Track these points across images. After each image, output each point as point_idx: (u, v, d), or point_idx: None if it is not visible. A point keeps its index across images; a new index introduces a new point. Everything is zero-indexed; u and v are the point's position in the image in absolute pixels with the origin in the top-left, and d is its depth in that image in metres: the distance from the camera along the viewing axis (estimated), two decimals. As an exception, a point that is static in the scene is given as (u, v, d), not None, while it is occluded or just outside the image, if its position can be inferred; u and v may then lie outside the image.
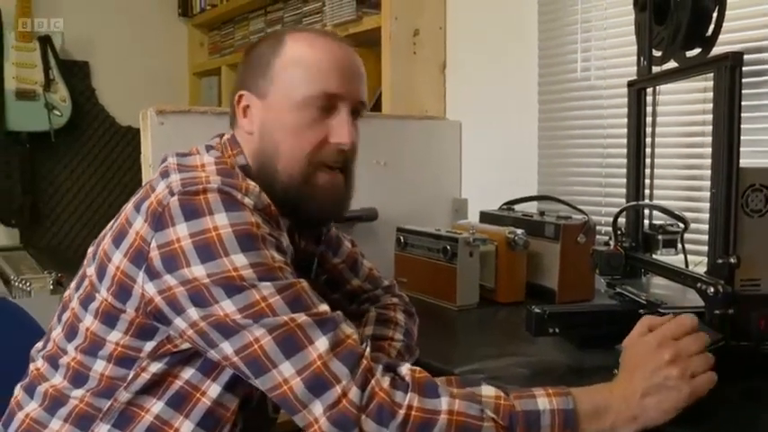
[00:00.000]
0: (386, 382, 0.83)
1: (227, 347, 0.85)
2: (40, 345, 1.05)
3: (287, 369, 0.83)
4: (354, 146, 1.03)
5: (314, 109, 1.00)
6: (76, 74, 3.34)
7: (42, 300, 2.06)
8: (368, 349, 0.86)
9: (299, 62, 1.01)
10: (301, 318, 0.84)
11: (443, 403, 0.82)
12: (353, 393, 0.81)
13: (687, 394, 0.85)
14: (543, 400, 0.84)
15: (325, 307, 0.88)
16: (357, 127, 1.05)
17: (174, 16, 3.72)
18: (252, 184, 0.94)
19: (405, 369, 0.86)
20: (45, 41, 3.12)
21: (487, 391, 0.85)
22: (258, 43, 1.07)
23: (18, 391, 1.02)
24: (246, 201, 0.90)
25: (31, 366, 1.03)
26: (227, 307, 0.84)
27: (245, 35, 3.31)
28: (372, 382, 0.83)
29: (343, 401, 0.81)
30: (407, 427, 0.81)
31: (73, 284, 1.02)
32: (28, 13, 3.07)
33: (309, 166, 1.01)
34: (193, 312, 0.86)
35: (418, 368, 0.87)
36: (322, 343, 0.83)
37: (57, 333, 1.00)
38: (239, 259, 0.85)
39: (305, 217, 1.05)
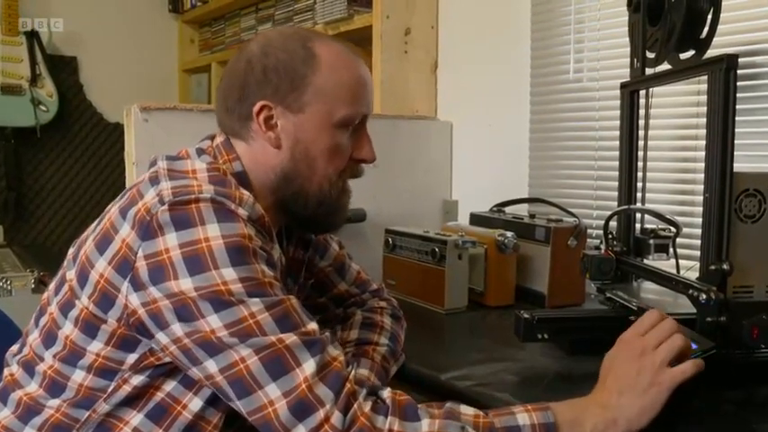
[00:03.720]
0: (367, 406, 0.82)
1: (211, 366, 0.82)
2: (15, 348, 1.02)
3: (273, 391, 0.81)
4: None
5: (350, 129, 1.01)
6: (64, 69, 3.31)
7: (23, 299, 2.03)
8: (353, 372, 0.85)
9: (338, 82, 0.99)
10: (290, 338, 0.82)
11: (424, 425, 0.82)
12: (336, 418, 0.80)
13: (662, 386, 0.84)
14: (523, 416, 0.84)
15: (313, 325, 0.86)
16: None
17: (164, 12, 3.69)
18: (246, 193, 0.91)
19: (386, 393, 0.85)
20: (32, 36, 3.08)
21: (466, 410, 0.85)
22: (275, 48, 1.00)
23: None
24: (240, 211, 0.87)
25: (6, 371, 1.00)
26: (213, 323, 0.82)
27: (235, 32, 3.29)
28: (355, 406, 0.81)
29: (325, 426, 0.80)
30: None
31: (52, 287, 0.98)
32: (16, 15, 3.03)
33: (339, 181, 1.03)
34: (178, 328, 0.83)
35: (399, 391, 0.86)
36: (309, 366, 0.82)
37: (33, 338, 0.97)
38: (228, 273, 0.83)
39: (324, 228, 1.09)
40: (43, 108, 3.10)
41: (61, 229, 3.33)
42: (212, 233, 0.84)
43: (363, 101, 1.02)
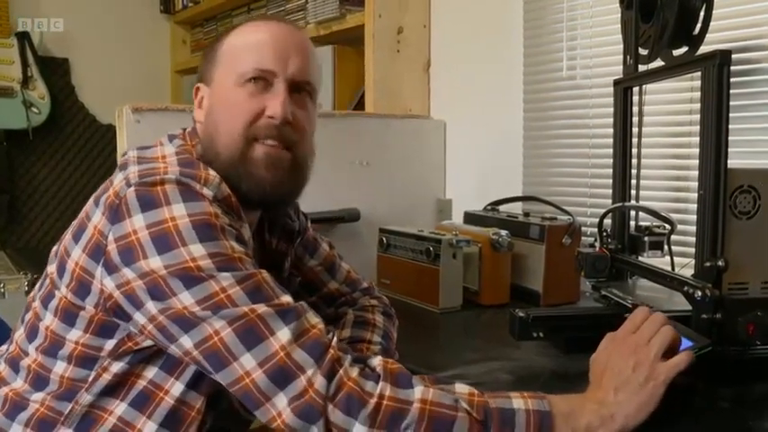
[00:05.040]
0: (355, 371, 0.81)
1: (186, 341, 0.83)
2: (4, 347, 1.03)
3: (248, 361, 0.80)
4: (290, 120, 0.99)
5: (250, 85, 0.99)
6: (56, 71, 3.29)
7: (16, 301, 2.02)
8: (335, 339, 0.84)
9: (238, 44, 1.02)
10: (262, 308, 0.82)
11: (417, 392, 0.80)
12: (319, 383, 0.79)
13: (658, 380, 0.84)
14: (518, 401, 0.83)
15: (287, 298, 0.86)
16: (306, 106, 1.03)
17: (156, 13, 3.68)
18: (212, 174, 0.91)
19: (376, 360, 0.84)
20: (23, 37, 3.06)
21: (461, 388, 0.84)
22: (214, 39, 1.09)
23: None
24: (205, 191, 0.88)
25: None
26: (185, 299, 0.82)
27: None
28: (341, 371, 0.80)
29: (309, 392, 0.78)
30: (378, 417, 0.78)
31: (37, 285, 1.01)
32: (6, 16, 3.01)
33: (244, 140, 0.99)
34: (152, 306, 0.84)
35: (391, 360, 0.85)
36: (284, 333, 0.81)
37: (19, 334, 0.98)
38: (197, 249, 0.83)
39: (248, 196, 0.99)
40: (35, 110, 3.09)
41: (54, 231, 3.31)
42: (178, 212, 0.85)
43: (260, 56, 0.99)
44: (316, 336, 0.83)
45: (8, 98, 3.02)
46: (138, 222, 0.84)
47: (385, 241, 1.65)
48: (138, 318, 0.85)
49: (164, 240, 0.83)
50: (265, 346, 0.80)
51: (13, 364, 0.97)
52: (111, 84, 3.36)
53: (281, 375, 0.79)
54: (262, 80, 0.99)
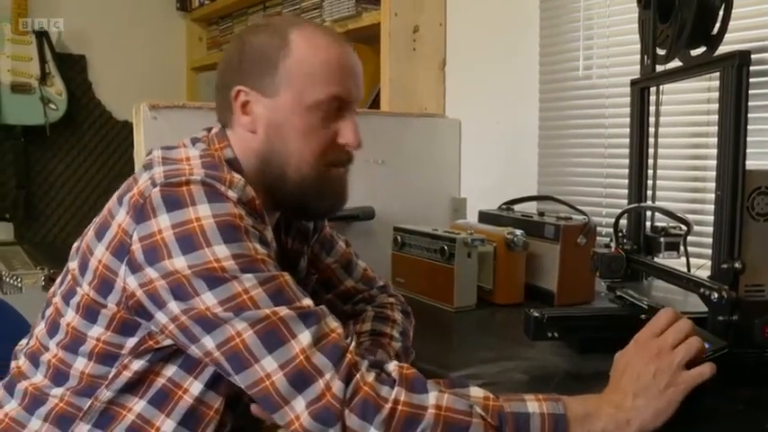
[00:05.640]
0: (371, 376, 0.81)
1: (208, 342, 0.83)
2: (23, 342, 1.04)
3: (269, 363, 0.81)
4: (361, 146, 1.04)
5: (323, 112, 1.00)
6: (73, 67, 3.31)
7: (33, 296, 2.04)
8: (353, 344, 0.84)
9: (309, 65, 0.99)
10: (284, 311, 0.83)
11: (431, 398, 0.81)
12: (337, 387, 0.79)
13: (679, 388, 0.83)
14: (533, 404, 0.82)
15: (308, 301, 0.86)
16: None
17: (172, 10, 3.69)
18: (236, 176, 0.92)
19: (392, 366, 0.84)
20: (41, 35, 3.09)
21: (476, 392, 0.84)
22: (256, 35, 1.03)
23: None
24: (230, 193, 0.88)
25: (13, 364, 1.01)
26: (207, 300, 0.83)
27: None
28: (357, 376, 0.81)
29: (326, 395, 0.79)
30: (393, 422, 0.78)
31: (58, 280, 1.01)
32: (24, 13, 3.04)
33: (321, 165, 1.01)
34: (174, 306, 0.84)
35: (406, 365, 0.86)
36: (305, 336, 0.82)
37: (39, 329, 0.99)
38: (221, 250, 0.84)
39: (312, 213, 1.08)
40: (53, 106, 3.11)
41: (71, 226, 3.33)
42: (203, 213, 0.85)
43: (336, 83, 1.00)
44: (335, 340, 0.83)
45: (26, 94, 3.04)
46: (163, 222, 0.85)
47: (399, 240, 1.66)
48: (160, 317, 0.86)
49: (188, 240, 0.84)
50: (287, 348, 0.81)
51: (33, 359, 0.97)
52: (127, 80, 3.37)
53: (301, 379, 0.80)
54: (336, 107, 1.01)
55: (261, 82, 1.00)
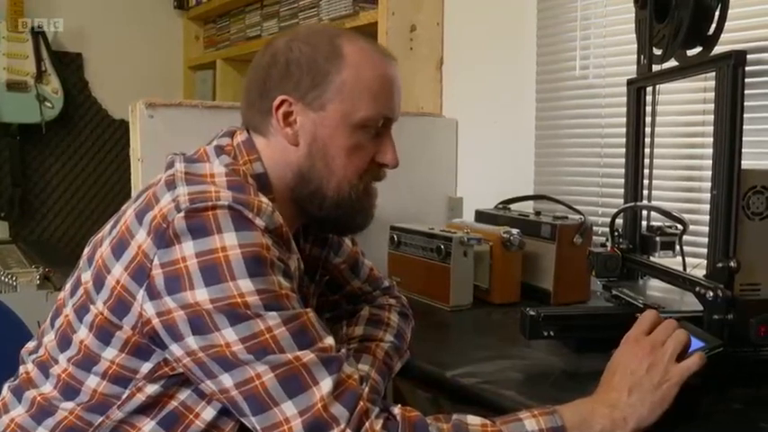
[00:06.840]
0: (379, 424, 0.81)
1: (226, 380, 0.82)
2: (31, 346, 1.01)
3: (289, 409, 0.80)
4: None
5: (370, 130, 0.99)
6: (69, 66, 3.30)
7: (28, 294, 2.03)
8: (366, 389, 0.84)
9: (363, 80, 0.97)
10: (307, 357, 0.82)
11: None
12: None
13: (672, 381, 0.85)
14: (530, 422, 0.83)
15: (330, 340, 0.85)
16: None
17: (169, 9, 3.68)
18: (264, 201, 0.88)
19: (397, 409, 0.85)
20: (37, 32, 3.08)
21: (473, 420, 0.84)
22: (306, 43, 0.98)
23: (6, 392, 0.99)
24: (258, 221, 0.85)
25: (21, 368, 1.00)
26: (228, 336, 0.81)
27: (240, 29, 3.28)
28: (366, 424, 0.81)
29: None
30: None
31: (68, 287, 0.97)
32: (21, 11, 3.03)
33: (360, 184, 1.01)
34: (192, 341, 0.82)
35: (409, 408, 0.86)
36: (326, 384, 0.81)
37: (49, 339, 0.96)
38: (245, 285, 0.81)
39: (343, 229, 1.09)
40: (48, 104, 3.10)
41: (66, 225, 3.32)
42: (229, 242, 0.82)
43: (386, 103, 0.99)
44: (352, 387, 0.83)
45: (22, 92, 3.02)
46: (187, 250, 0.82)
47: (396, 239, 1.66)
48: (175, 350, 0.84)
49: (212, 272, 0.81)
50: (307, 395, 0.80)
51: (43, 369, 0.95)
52: (123, 79, 3.36)
53: (317, 426, 0.80)
54: (381, 125, 1.00)
55: (307, 93, 0.97)
